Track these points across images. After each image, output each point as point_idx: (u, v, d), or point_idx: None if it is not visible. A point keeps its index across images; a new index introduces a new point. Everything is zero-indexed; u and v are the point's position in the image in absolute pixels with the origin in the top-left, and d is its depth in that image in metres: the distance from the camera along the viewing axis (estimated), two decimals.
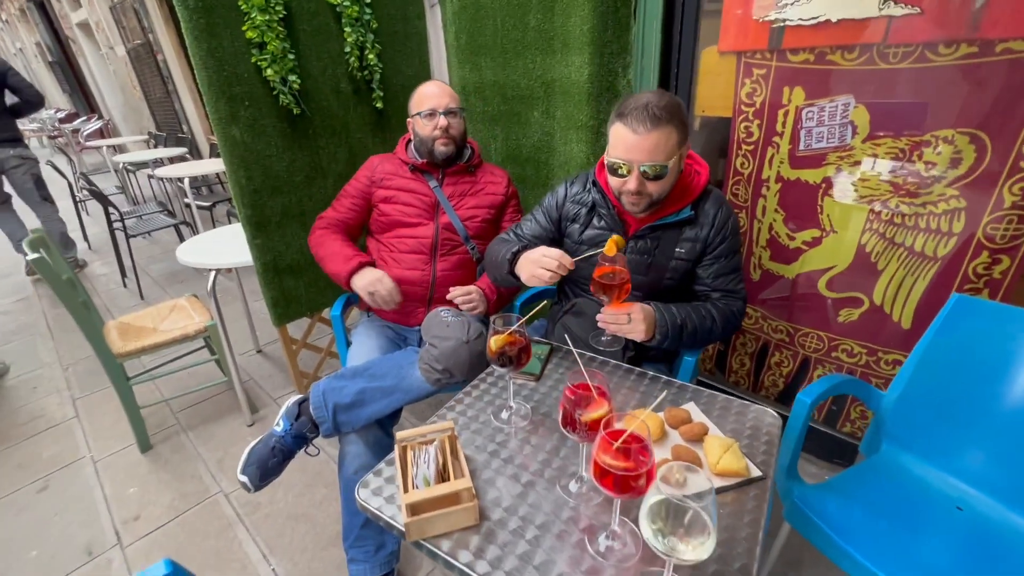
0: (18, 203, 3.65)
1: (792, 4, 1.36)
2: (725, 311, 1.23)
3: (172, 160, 4.89)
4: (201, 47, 1.56)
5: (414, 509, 0.76)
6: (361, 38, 1.92)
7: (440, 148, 1.51)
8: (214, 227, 3.63)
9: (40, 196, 3.63)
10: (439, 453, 0.86)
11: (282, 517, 1.70)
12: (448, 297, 1.50)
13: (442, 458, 0.85)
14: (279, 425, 1.27)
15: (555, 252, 1.13)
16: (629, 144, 1.09)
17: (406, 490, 0.80)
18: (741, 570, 0.72)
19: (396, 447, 0.89)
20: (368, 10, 1.92)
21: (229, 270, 2.03)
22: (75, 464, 2.01)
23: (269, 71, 1.68)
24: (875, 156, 1.39)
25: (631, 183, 1.12)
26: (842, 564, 1.06)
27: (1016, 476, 1.10)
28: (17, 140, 3.48)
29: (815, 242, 1.58)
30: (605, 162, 1.19)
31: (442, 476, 0.83)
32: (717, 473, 0.86)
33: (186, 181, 3.77)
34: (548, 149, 1.98)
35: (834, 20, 1.32)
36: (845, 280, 1.56)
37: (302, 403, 1.29)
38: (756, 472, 0.87)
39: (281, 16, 1.67)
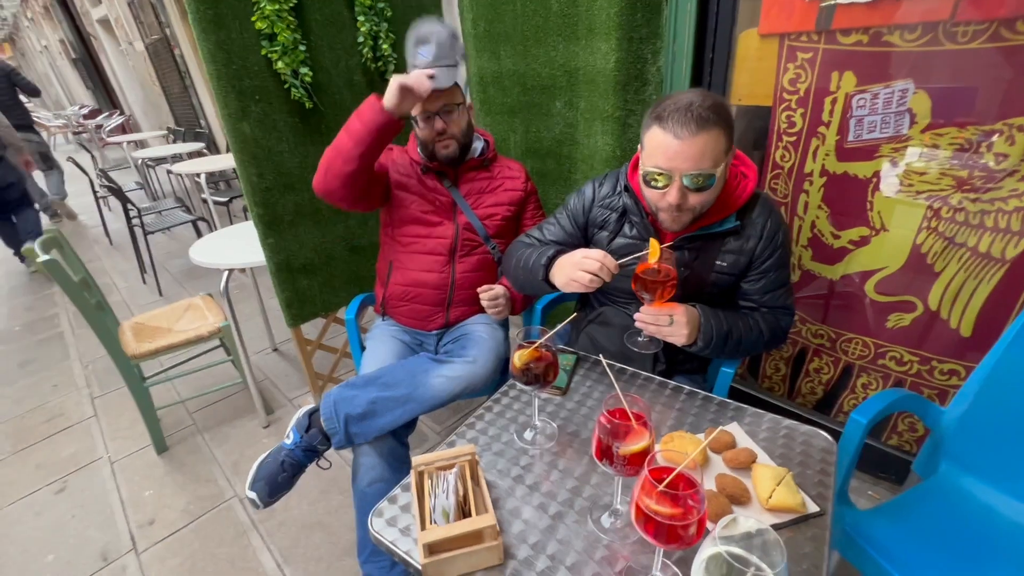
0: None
1: None
2: (773, 325, 1.12)
3: (190, 155, 4.90)
4: (209, 39, 1.49)
5: (432, 549, 0.69)
6: (375, 27, 1.83)
7: (442, 152, 1.38)
8: (231, 223, 3.62)
9: (46, 166, 5.05)
10: (459, 482, 0.78)
11: (297, 525, 1.66)
12: (480, 297, 1.43)
13: (462, 487, 0.78)
14: (289, 437, 1.21)
15: (597, 253, 1.02)
16: (671, 152, 0.94)
17: (423, 525, 0.72)
18: None
19: (412, 473, 0.81)
20: None
21: (243, 269, 1.98)
22: (92, 465, 2.00)
23: (280, 63, 1.61)
24: (936, 147, 1.26)
25: (672, 195, 0.98)
26: None
27: None
28: (29, 126, 4.80)
29: (863, 241, 1.46)
30: (640, 172, 1.05)
31: (462, 508, 0.76)
32: (769, 509, 0.77)
33: (202, 177, 3.75)
34: (571, 142, 1.88)
35: None
36: (897, 282, 1.44)
37: (312, 414, 1.23)
38: (813, 507, 0.78)
39: (292, 5, 1.59)
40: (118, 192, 3.41)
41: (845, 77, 1.33)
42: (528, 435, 0.96)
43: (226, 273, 1.89)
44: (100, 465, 2.00)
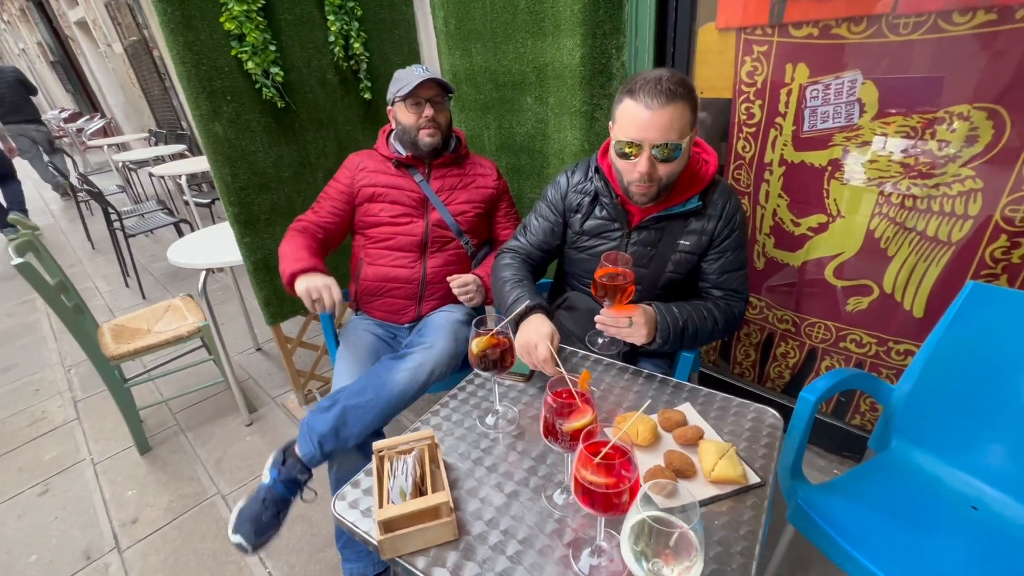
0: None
1: None
2: (726, 311, 1.17)
3: (172, 157, 4.87)
4: (178, 40, 1.51)
5: (388, 526, 0.72)
6: (346, 26, 1.85)
7: (426, 139, 1.41)
8: (214, 223, 3.61)
9: (51, 148, 5.66)
10: (417, 464, 0.81)
11: None
12: (451, 285, 1.46)
13: (420, 469, 0.81)
14: (266, 477, 1.19)
15: (543, 354, 1.02)
16: (642, 121, 1.01)
17: (381, 504, 0.76)
18: None
19: (373, 457, 0.85)
20: None
21: (221, 269, 2.00)
22: (75, 467, 2.01)
23: (250, 63, 1.63)
24: (885, 135, 1.30)
25: (642, 164, 1.04)
26: (846, 567, 1.01)
27: None
28: (38, 119, 5.55)
29: (821, 228, 1.51)
30: (612, 144, 1.11)
31: (419, 488, 0.79)
32: (712, 481, 0.81)
33: (183, 178, 3.74)
34: (542, 137, 1.92)
35: None
36: (854, 267, 1.49)
37: (287, 449, 1.23)
38: (754, 478, 0.82)
39: (260, 6, 1.61)
40: (98, 196, 3.40)
41: (799, 69, 1.37)
42: (490, 420, 1.00)
43: (203, 273, 1.90)
44: (83, 467, 2.01)
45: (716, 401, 1.02)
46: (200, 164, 4.03)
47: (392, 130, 1.54)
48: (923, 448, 1.19)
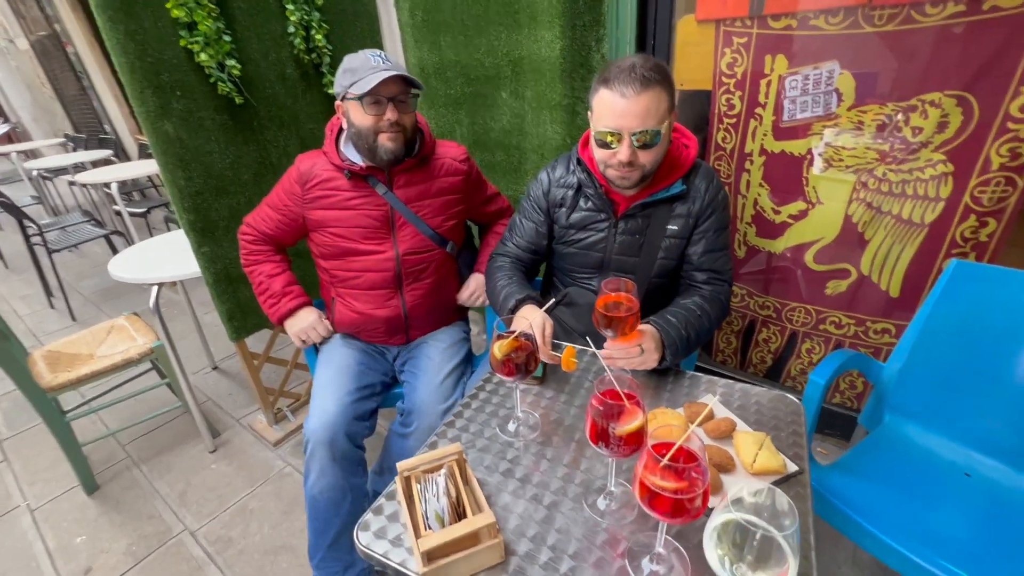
0: None
1: None
2: (714, 300, 1.14)
3: (95, 164, 4.43)
4: (117, 29, 1.34)
5: (431, 556, 0.65)
6: (306, 17, 1.72)
7: (387, 144, 1.17)
8: (151, 235, 3.31)
9: None
10: (449, 483, 0.75)
11: (259, 551, 1.55)
12: (459, 301, 1.45)
13: (453, 488, 0.74)
14: None
15: (538, 327, 1.02)
16: (618, 110, 0.99)
17: (418, 533, 0.68)
18: None
19: (398, 479, 0.77)
20: None
21: (173, 283, 1.81)
22: (8, 516, 1.77)
23: (203, 55, 1.47)
24: (861, 124, 1.36)
25: (622, 153, 1.02)
26: (862, 542, 1.03)
27: (1022, 439, 1.11)
28: None
29: (801, 215, 1.55)
30: (592, 135, 1.09)
31: (456, 510, 0.73)
32: (754, 473, 0.80)
33: (114, 186, 3.41)
34: (520, 132, 1.87)
35: None
36: (832, 252, 1.54)
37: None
38: (793, 467, 0.81)
39: None
40: (11, 208, 3.03)
41: (778, 60, 1.40)
42: (511, 427, 0.94)
43: (155, 288, 1.72)
44: (18, 515, 1.77)
45: (735, 391, 1.01)
46: (131, 170, 3.69)
47: (342, 128, 1.28)
48: (915, 422, 1.25)
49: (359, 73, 1.13)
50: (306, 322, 1.39)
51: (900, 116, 1.29)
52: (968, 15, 1.14)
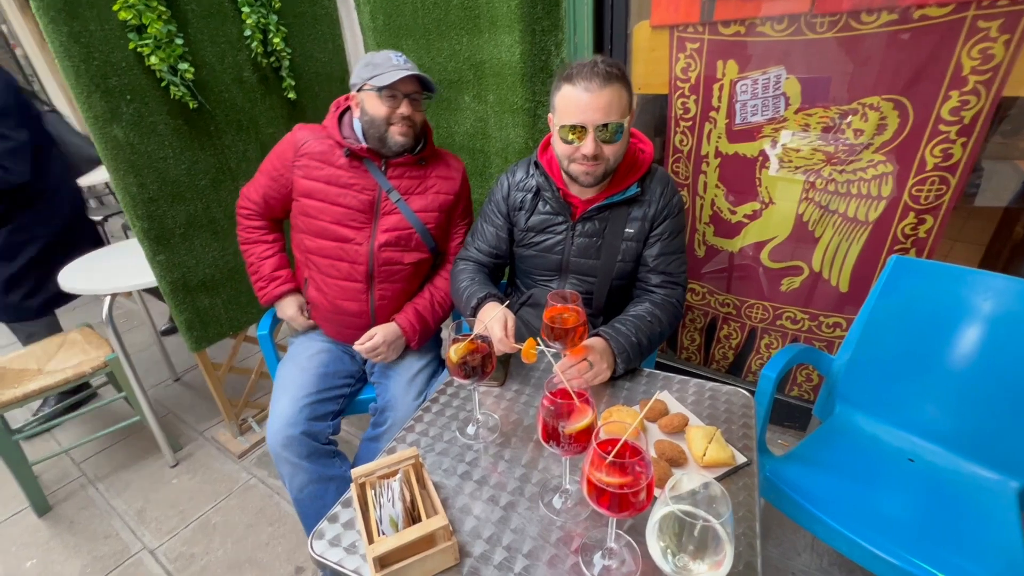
0: None
1: None
2: (666, 306, 1.16)
3: None
4: (60, 31, 1.29)
5: (383, 561, 0.65)
6: (263, 19, 1.70)
7: (397, 138, 1.23)
8: (108, 243, 3.19)
9: None
10: (404, 487, 0.75)
11: (222, 567, 1.51)
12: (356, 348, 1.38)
13: (408, 493, 0.74)
14: None
15: (498, 334, 1.01)
16: (582, 104, 1.01)
17: (371, 539, 0.68)
18: (747, 568, 0.68)
19: (353, 486, 0.77)
20: None
21: (128, 293, 1.76)
22: None
23: (153, 58, 1.44)
24: (807, 126, 1.41)
25: (587, 146, 1.03)
26: (814, 529, 1.07)
27: (961, 424, 1.17)
28: None
29: (756, 215, 1.60)
30: (555, 132, 1.10)
31: (411, 514, 0.73)
32: (704, 466, 0.82)
33: None
34: (483, 136, 1.88)
35: None
36: (786, 250, 1.60)
37: None
38: (742, 459, 0.84)
39: None
40: None
41: (729, 65, 1.45)
42: (471, 430, 0.95)
43: (108, 299, 1.66)
44: None
45: (690, 387, 1.04)
46: (87, 177, 3.55)
47: (348, 108, 1.33)
48: (863, 411, 1.30)
49: (381, 68, 1.20)
50: (287, 314, 1.45)
51: (843, 119, 1.35)
52: (901, 23, 1.20)
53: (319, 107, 2.01)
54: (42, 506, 1.75)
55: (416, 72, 1.20)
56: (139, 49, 1.42)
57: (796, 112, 1.41)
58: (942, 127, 1.24)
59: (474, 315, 1.14)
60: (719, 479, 0.81)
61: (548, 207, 1.22)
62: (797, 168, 1.47)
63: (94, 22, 1.34)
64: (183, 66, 1.50)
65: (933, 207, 1.33)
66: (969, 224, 1.52)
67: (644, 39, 1.56)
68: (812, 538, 1.45)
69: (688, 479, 0.57)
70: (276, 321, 1.55)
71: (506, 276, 1.48)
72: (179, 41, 1.49)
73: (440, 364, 1.46)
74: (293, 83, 1.85)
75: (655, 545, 0.56)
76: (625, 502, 0.59)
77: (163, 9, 1.44)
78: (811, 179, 1.47)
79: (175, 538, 1.61)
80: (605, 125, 1.02)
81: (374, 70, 1.20)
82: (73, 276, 1.76)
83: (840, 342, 1.58)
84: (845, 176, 1.41)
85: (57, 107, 5.40)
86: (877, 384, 1.28)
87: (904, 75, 1.24)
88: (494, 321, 1.01)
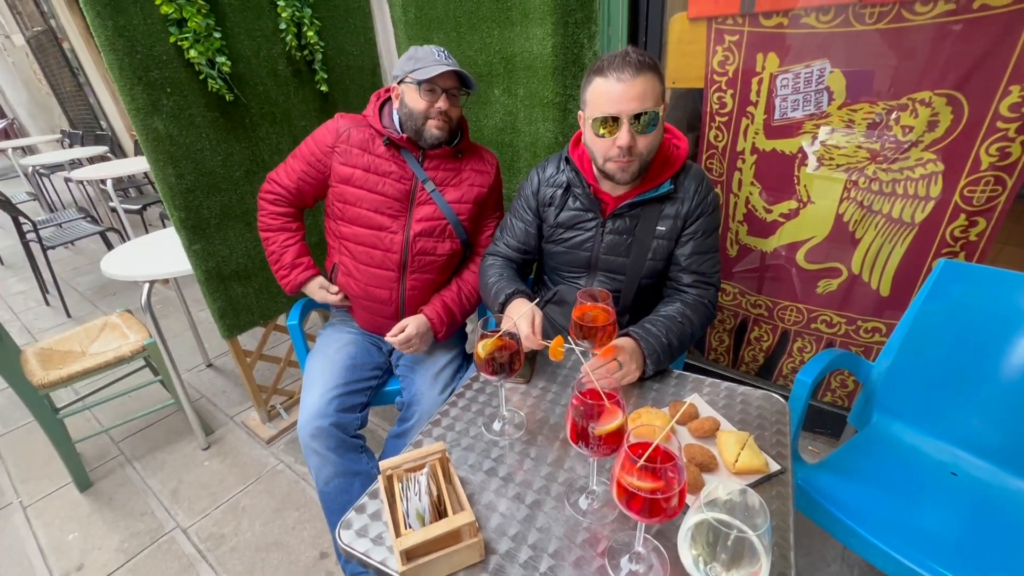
0: None
1: None
2: (697, 307, 1.13)
3: (92, 160, 4.43)
4: (106, 25, 1.33)
5: (410, 554, 0.65)
6: (298, 13, 1.72)
7: (434, 131, 1.25)
8: (147, 232, 3.31)
9: None
10: (431, 482, 0.75)
11: (251, 548, 1.55)
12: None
13: (435, 487, 0.75)
14: None
15: (525, 330, 1.00)
16: (615, 95, 0.99)
17: (398, 532, 0.68)
18: None
19: (380, 478, 0.77)
20: None
21: (166, 280, 1.81)
22: (1, 513, 1.77)
23: (192, 52, 1.47)
24: (851, 122, 1.35)
25: (622, 137, 1.00)
26: (848, 542, 1.03)
27: (1009, 438, 1.11)
28: None
29: (792, 214, 1.55)
30: (587, 127, 1.08)
31: (437, 508, 0.73)
32: (736, 472, 0.80)
33: (108, 183, 3.40)
34: (512, 130, 1.86)
35: None
36: (823, 251, 1.54)
37: None
38: (775, 466, 0.81)
39: None
40: (6, 204, 3.02)
41: (769, 58, 1.40)
42: (497, 426, 0.94)
43: (147, 286, 1.72)
44: (11, 511, 1.77)
45: (720, 390, 1.01)
46: (127, 167, 3.68)
47: (388, 99, 1.36)
48: (903, 421, 1.25)
49: (423, 62, 1.22)
50: (318, 295, 1.47)
51: (891, 115, 1.29)
52: (958, 14, 1.14)
53: (350, 100, 2.02)
54: (84, 482, 1.83)
55: (456, 68, 1.21)
56: (179, 42, 1.45)
57: (840, 107, 1.35)
58: (1000, 124, 1.17)
59: (502, 311, 1.13)
60: (751, 487, 0.79)
61: (578, 203, 1.21)
62: (839, 166, 1.42)
63: (137, 16, 1.38)
64: (220, 59, 1.53)
65: (986, 209, 1.26)
66: (1021, 226, 1.44)
67: (680, 31, 1.52)
68: (842, 548, 1.40)
69: (723, 487, 0.55)
70: (305, 311, 1.58)
71: (533, 272, 1.47)
72: (217, 35, 1.52)
73: (465, 359, 1.47)
74: (325, 76, 1.87)
75: (687, 553, 0.55)
76: (656, 507, 0.58)
77: (203, 3, 1.46)
78: (853, 177, 1.41)
79: (206, 518, 1.67)
80: (638, 116, 1.00)
81: (416, 63, 1.22)
82: (114, 262, 1.83)
83: (878, 348, 1.53)
84: (891, 175, 1.35)
85: (101, 100, 5.59)
86: (919, 393, 1.22)
87: (959, 69, 1.18)
88: (522, 318, 1.01)
